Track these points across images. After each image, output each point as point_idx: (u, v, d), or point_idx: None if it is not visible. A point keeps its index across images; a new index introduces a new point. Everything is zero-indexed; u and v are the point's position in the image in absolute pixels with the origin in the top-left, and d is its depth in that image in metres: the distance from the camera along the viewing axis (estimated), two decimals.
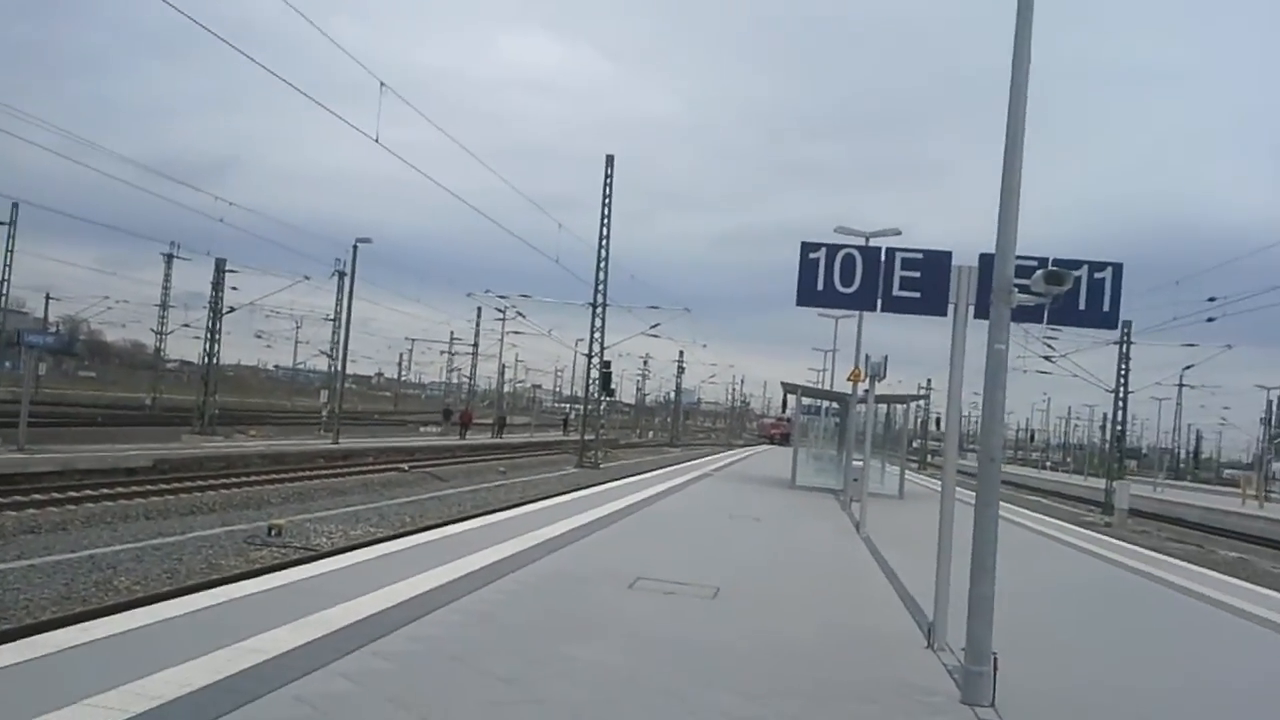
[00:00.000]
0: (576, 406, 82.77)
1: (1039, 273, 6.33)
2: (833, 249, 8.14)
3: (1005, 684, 6.43)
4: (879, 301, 8.03)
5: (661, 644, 7.29)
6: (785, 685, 6.41)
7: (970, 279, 7.72)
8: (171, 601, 7.59)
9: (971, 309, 7.80)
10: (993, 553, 6.42)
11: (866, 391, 19.94)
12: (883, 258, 8.00)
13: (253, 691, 5.24)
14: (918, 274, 7.90)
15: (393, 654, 6.29)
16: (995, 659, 6.43)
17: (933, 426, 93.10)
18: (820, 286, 8.06)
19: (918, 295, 7.91)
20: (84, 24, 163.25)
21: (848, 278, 8.00)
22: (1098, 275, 7.89)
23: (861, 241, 18.90)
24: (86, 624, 6.69)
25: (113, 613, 8.78)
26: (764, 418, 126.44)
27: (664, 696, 5.89)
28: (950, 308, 7.81)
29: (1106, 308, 7.92)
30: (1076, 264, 7.63)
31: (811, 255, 8.07)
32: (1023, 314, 7.32)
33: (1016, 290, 6.35)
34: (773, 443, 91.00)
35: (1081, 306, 7.81)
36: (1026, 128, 6.55)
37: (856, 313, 23.98)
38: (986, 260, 7.68)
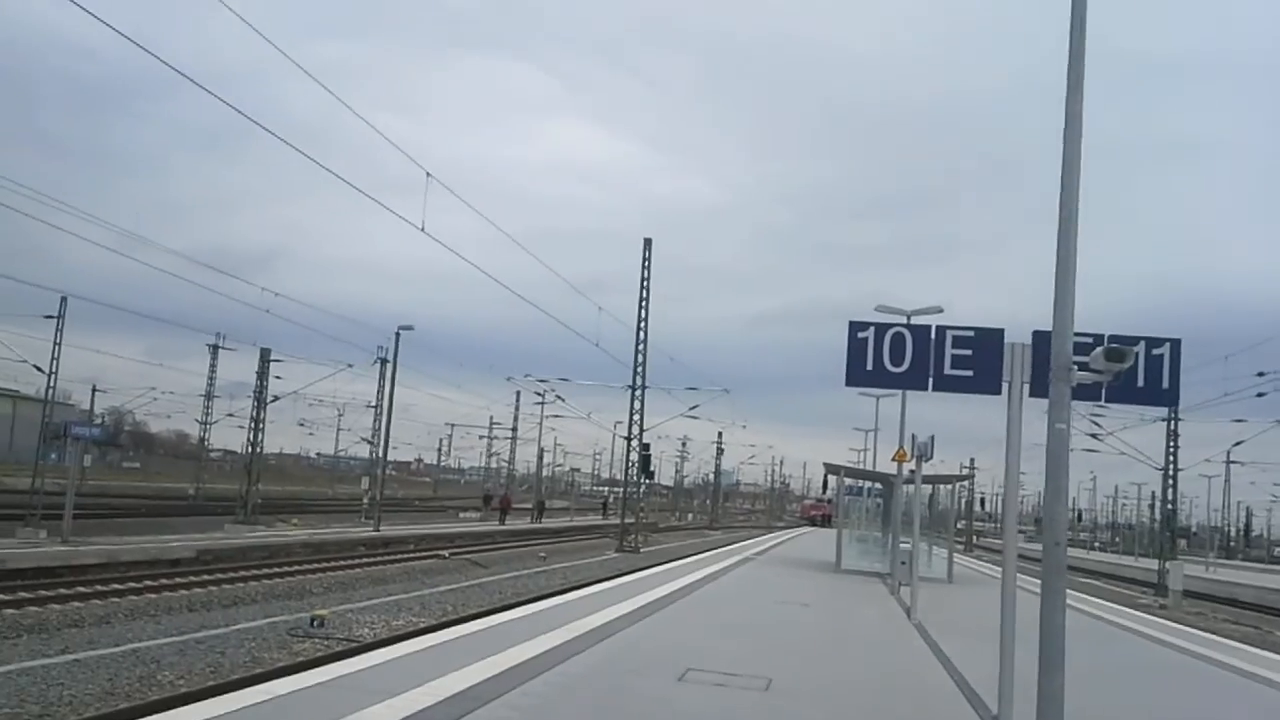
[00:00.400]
0: (615, 489, 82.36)
1: (1099, 350, 6.17)
2: (881, 328, 8.02)
3: None
4: (930, 380, 7.87)
5: None
6: None
7: (1025, 357, 7.55)
8: (215, 699, 7.44)
9: (1026, 387, 7.62)
10: (1061, 644, 6.16)
11: (912, 472, 19.64)
12: (933, 336, 7.86)
13: None
14: (969, 352, 7.75)
15: None
16: None
17: (977, 507, 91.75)
18: (870, 366, 7.92)
19: (970, 374, 7.74)
20: (136, 123, 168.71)
21: (898, 357, 7.86)
22: (1155, 351, 7.70)
23: (903, 319, 18.81)
24: None
25: (157, 710, 8.67)
26: (805, 499, 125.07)
27: None
28: (1004, 386, 7.64)
29: (1165, 384, 7.70)
30: (1133, 340, 7.45)
31: (860, 335, 7.95)
32: (1079, 392, 7.13)
33: (1076, 368, 6.19)
34: (813, 524, 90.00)
35: (1140, 384, 7.61)
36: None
37: (899, 392, 23.81)
38: (1039, 337, 7.54)
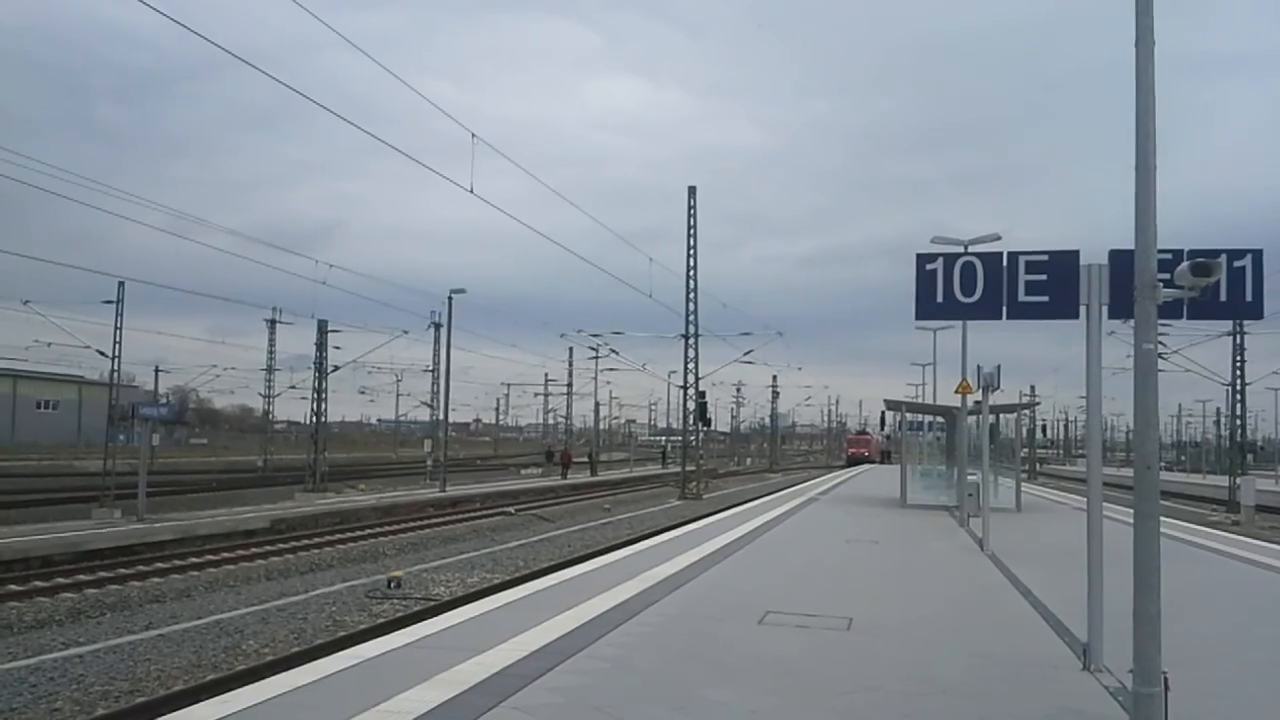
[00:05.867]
0: (673, 439, 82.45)
1: (1185, 265, 5.96)
2: (950, 259, 7.84)
3: (1174, 703, 6.00)
4: (1004, 309, 7.68)
5: (806, 684, 7.00)
6: None
7: (1102, 277, 7.33)
8: (305, 666, 7.53)
9: (1105, 309, 7.41)
10: (1157, 567, 6.01)
11: (977, 403, 19.37)
12: (1004, 263, 7.66)
13: None
14: (1044, 277, 7.54)
15: (534, 708, 6.13)
16: (1166, 679, 6.01)
17: (1038, 434, 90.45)
18: (940, 298, 7.75)
19: (1045, 299, 7.55)
20: (187, 106, 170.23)
21: (968, 287, 7.68)
22: (1237, 264, 7.44)
23: (960, 250, 18.44)
24: (224, 695, 6.65)
25: (247, 680, 8.83)
26: (847, 434, 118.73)
27: None
28: (1082, 309, 7.43)
29: (1249, 297, 7.45)
30: (1215, 253, 7.19)
31: (929, 267, 7.77)
32: (1161, 310, 6.92)
33: (1161, 285, 5.97)
34: (854, 463, 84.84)
35: (1223, 298, 7.36)
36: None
37: (960, 325, 23.48)
38: (1116, 256, 7.32)
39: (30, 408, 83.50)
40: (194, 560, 20.81)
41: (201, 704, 6.49)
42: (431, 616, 10.32)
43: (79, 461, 57.69)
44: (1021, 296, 7.60)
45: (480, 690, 6.53)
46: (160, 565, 20.02)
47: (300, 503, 35.28)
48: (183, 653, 12.78)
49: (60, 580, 17.88)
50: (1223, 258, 7.21)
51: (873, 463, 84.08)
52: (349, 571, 20.40)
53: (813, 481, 49.30)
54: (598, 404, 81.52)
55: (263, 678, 7.77)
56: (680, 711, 6.13)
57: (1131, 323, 7.57)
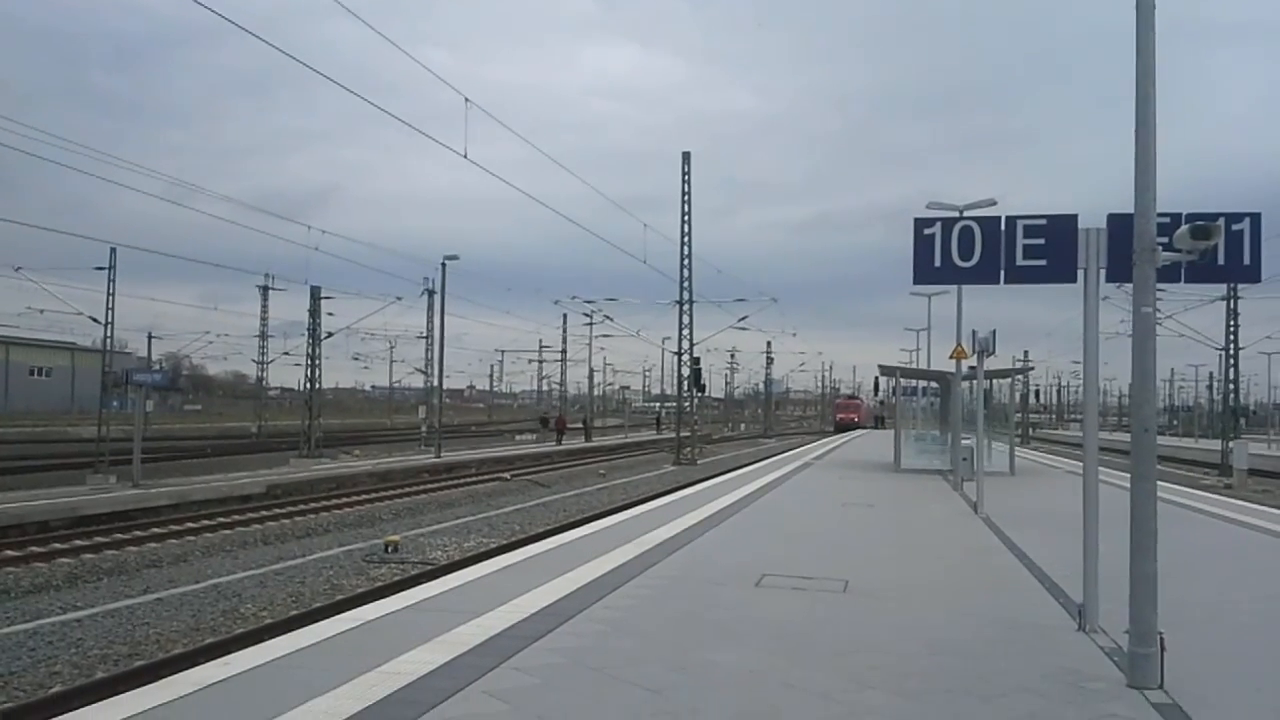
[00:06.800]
0: (668, 405, 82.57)
1: (1184, 228, 5.96)
2: (948, 223, 7.82)
3: (1170, 663, 6.07)
4: (1001, 273, 7.67)
5: (803, 644, 7.06)
6: (941, 682, 6.12)
7: (1100, 241, 7.32)
8: (305, 629, 7.57)
9: (1103, 273, 7.41)
10: (1153, 528, 6.06)
11: (972, 368, 19.41)
12: (1003, 227, 7.64)
13: (403, 717, 5.16)
14: (1042, 241, 7.52)
15: (534, 668, 6.17)
16: (1162, 639, 6.07)
17: (1032, 399, 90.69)
18: (938, 263, 7.74)
19: (1044, 263, 7.53)
20: (183, 73, 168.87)
21: (966, 251, 7.66)
22: (1235, 227, 7.41)
23: (955, 215, 18.39)
24: (225, 658, 6.68)
25: (246, 643, 8.88)
26: (837, 399, 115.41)
27: (821, 700, 5.66)
28: (1080, 273, 7.43)
29: (1248, 260, 7.43)
30: (1213, 217, 7.19)
31: (926, 231, 7.75)
32: (1160, 274, 6.92)
33: (1160, 249, 5.97)
34: (842, 429, 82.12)
35: (1221, 261, 7.35)
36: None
37: (955, 289, 23.46)
38: (1115, 220, 7.31)
39: (23, 374, 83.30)
40: (190, 525, 20.84)
41: (201, 666, 6.52)
42: (429, 580, 10.35)
43: (73, 428, 57.62)
44: (1019, 260, 7.59)
45: (480, 651, 6.58)
46: (157, 530, 20.05)
47: (296, 468, 35.35)
48: (181, 616, 12.84)
49: (57, 545, 17.91)
50: (1221, 221, 7.21)
51: (864, 429, 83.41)
52: (346, 536, 20.48)
53: (807, 447, 49.49)
54: (592, 370, 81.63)
55: (262, 640, 7.82)
56: (680, 672, 6.18)
57: (1127, 288, 7.60)
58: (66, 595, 14.37)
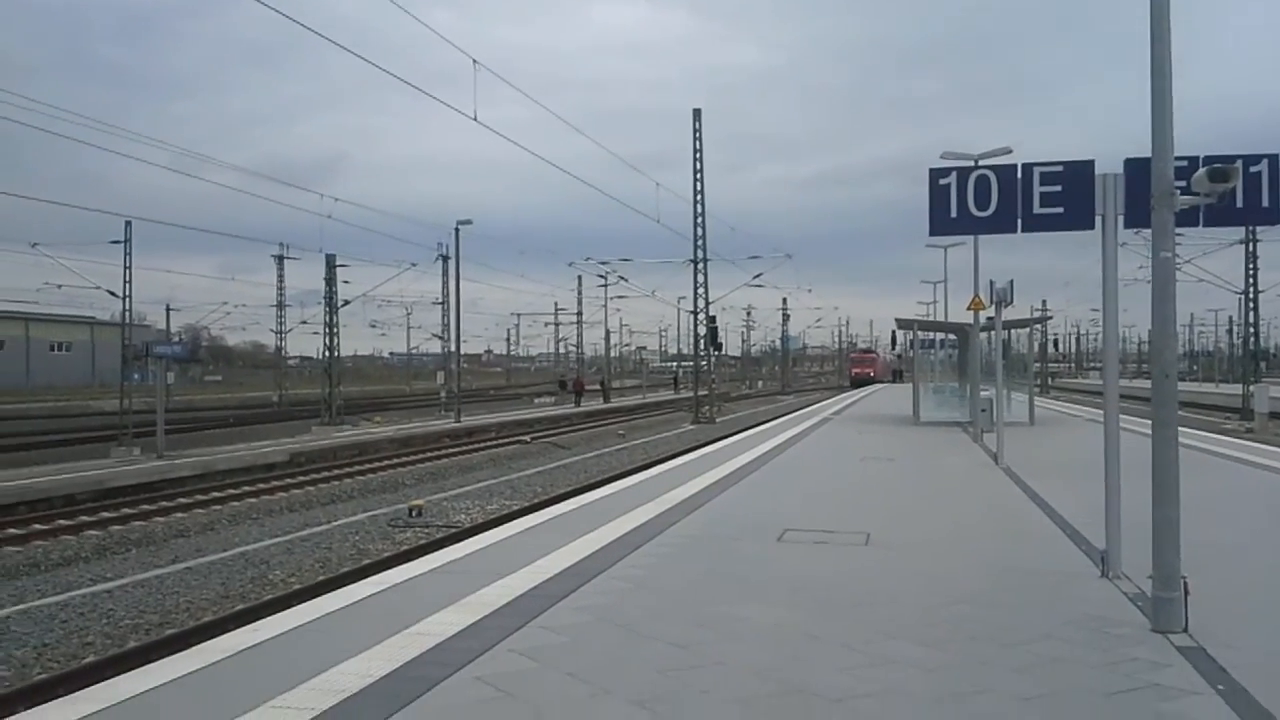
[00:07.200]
0: (685, 364, 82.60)
1: (1202, 171, 5.89)
2: (964, 172, 7.75)
3: (1194, 607, 6.09)
4: (1019, 222, 7.62)
5: (827, 597, 7.10)
6: (965, 630, 6.16)
7: (1117, 187, 7.26)
8: (333, 593, 7.67)
9: (1121, 219, 7.35)
10: (1176, 474, 6.06)
11: (990, 319, 19.32)
12: (1019, 175, 7.58)
13: (434, 676, 5.22)
14: (1059, 188, 7.46)
15: (562, 627, 6.24)
16: (1185, 583, 6.09)
17: (1050, 349, 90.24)
18: (954, 213, 7.69)
19: (1061, 210, 7.48)
20: (189, 43, 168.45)
21: (983, 201, 7.61)
22: (1253, 169, 7.34)
23: (970, 165, 18.21)
24: (254, 624, 6.77)
25: (275, 609, 9.00)
26: (851, 353, 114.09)
27: (845, 651, 5.71)
28: (1098, 219, 7.37)
29: (1266, 202, 7.37)
30: (1230, 159, 7.10)
31: (942, 182, 7.70)
32: (1178, 218, 6.86)
33: (1178, 192, 5.91)
34: (857, 384, 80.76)
35: (1239, 204, 7.29)
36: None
37: (971, 240, 23.30)
38: (1132, 165, 7.24)
39: (44, 350, 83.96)
40: (215, 495, 21.09)
41: (231, 633, 6.61)
42: (454, 543, 10.46)
43: (95, 402, 58.12)
44: (1036, 209, 7.53)
45: (507, 612, 6.65)
46: (183, 500, 20.30)
47: (317, 435, 35.63)
48: (210, 584, 13.00)
49: (84, 518, 18.15)
50: (1239, 163, 7.13)
51: (881, 383, 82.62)
52: (370, 502, 20.66)
53: (825, 402, 49.48)
54: (608, 331, 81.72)
55: (291, 606, 7.93)
56: (704, 627, 6.23)
57: (1145, 234, 7.55)
58: (96, 567, 14.56)
